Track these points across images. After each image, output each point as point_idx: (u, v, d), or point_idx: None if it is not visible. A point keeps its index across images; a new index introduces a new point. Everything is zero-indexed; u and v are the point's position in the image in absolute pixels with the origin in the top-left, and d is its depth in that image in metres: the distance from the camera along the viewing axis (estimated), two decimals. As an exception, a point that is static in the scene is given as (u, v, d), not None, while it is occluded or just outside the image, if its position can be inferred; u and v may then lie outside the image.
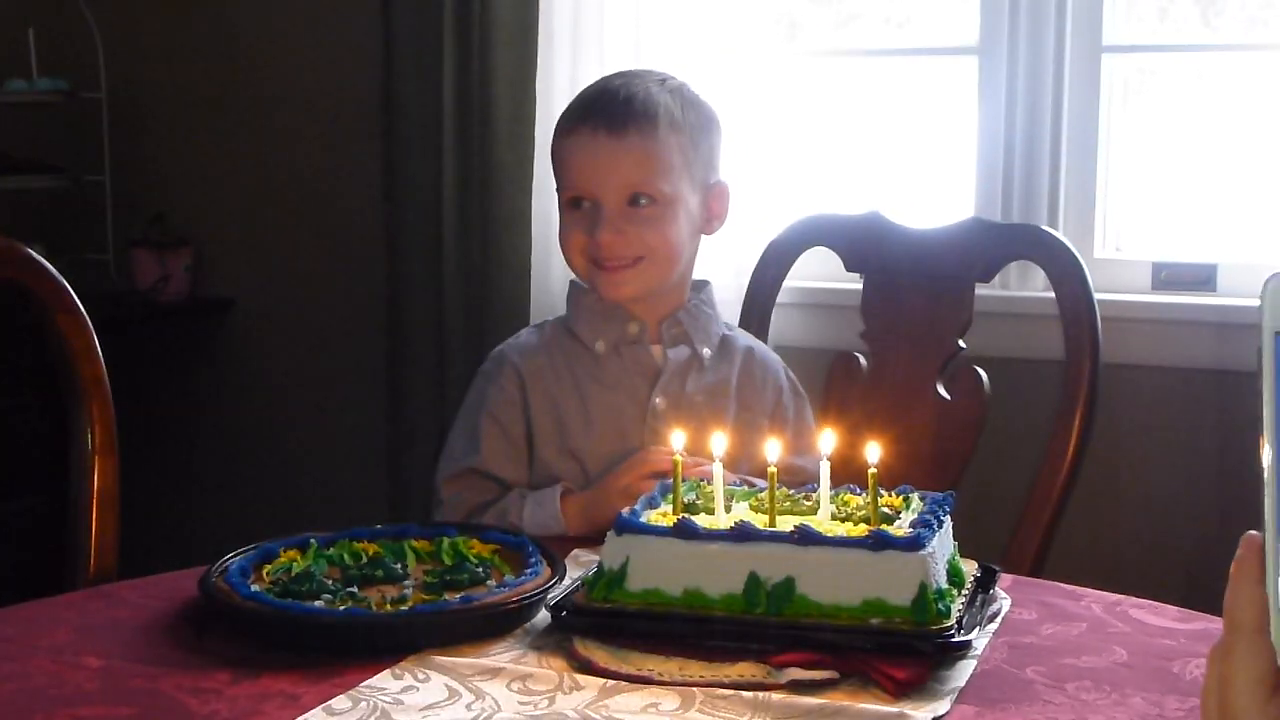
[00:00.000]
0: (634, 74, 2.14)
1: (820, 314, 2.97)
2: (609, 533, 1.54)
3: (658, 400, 2.05)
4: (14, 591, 1.69)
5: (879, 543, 1.46)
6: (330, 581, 1.60)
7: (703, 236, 2.14)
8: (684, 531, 1.51)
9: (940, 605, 1.45)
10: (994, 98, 2.97)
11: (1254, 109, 2.96)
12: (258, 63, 3.59)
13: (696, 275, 2.16)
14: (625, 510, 1.57)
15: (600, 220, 2.01)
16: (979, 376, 2.29)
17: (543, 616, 1.56)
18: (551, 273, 3.11)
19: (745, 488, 1.72)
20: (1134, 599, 1.66)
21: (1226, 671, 0.84)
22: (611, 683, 1.41)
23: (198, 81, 3.66)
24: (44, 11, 3.62)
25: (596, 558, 1.58)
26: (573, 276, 2.14)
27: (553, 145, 2.11)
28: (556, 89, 3.07)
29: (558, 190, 2.10)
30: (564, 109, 2.13)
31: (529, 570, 1.62)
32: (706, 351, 2.10)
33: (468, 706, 1.36)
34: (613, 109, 2.03)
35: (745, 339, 2.20)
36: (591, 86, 2.13)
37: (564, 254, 2.10)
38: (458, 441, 2.09)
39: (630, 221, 2.01)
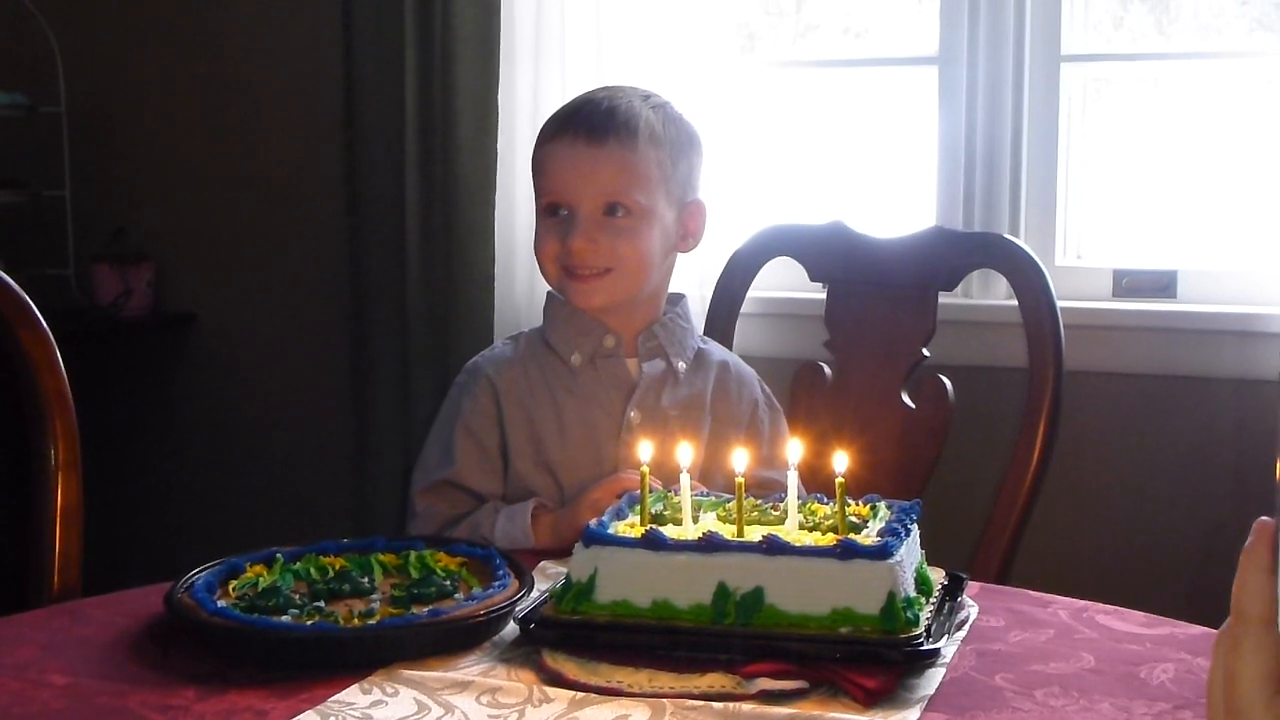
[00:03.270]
0: (618, 89, 2.14)
1: (784, 324, 2.97)
2: (577, 544, 1.54)
3: (632, 414, 2.05)
4: (-23, 609, 1.68)
5: (847, 552, 1.46)
6: (297, 596, 1.59)
7: (683, 252, 2.15)
8: (652, 543, 1.51)
9: (908, 613, 1.45)
10: (954, 107, 2.98)
11: (1209, 116, 2.98)
12: (218, 76, 3.58)
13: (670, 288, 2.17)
14: (593, 522, 1.57)
15: (574, 227, 2.02)
16: (943, 385, 2.30)
17: (511, 629, 1.56)
18: (515, 284, 3.12)
19: (713, 498, 1.72)
20: (1100, 605, 1.67)
21: (1233, 665, 0.83)
22: (581, 695, 1.41)
23: (158, 96, 3.65)
24: (2, 26, 3.60)
25: (564, 570, 1.58)
26: (549, 289, 2.14)
27: (533, 154, 2.12)
28: (519, 101, 3.07)
29: (535, 198, 2.11)
30: (547, 119, 2.14)
31: (497, 583, 1.61)
32: (681, 365, 2.10)
33: (437, 720, 1.36)
34: (594, 119, 2.05)
35: (720, 352, 2.20)
36: (575, 99, 2.14)
37: (538, 261, 2.10)
38: (432, 453, 2.09)
39: (604, 231, 2.02)
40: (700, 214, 2.13)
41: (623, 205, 2.02)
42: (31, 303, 1.98)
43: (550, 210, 2.06)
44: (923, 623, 1.46)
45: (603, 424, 2.05)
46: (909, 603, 1.46)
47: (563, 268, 2.04)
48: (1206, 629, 1.57)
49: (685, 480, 1.62)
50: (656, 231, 2.05)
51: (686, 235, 2.12)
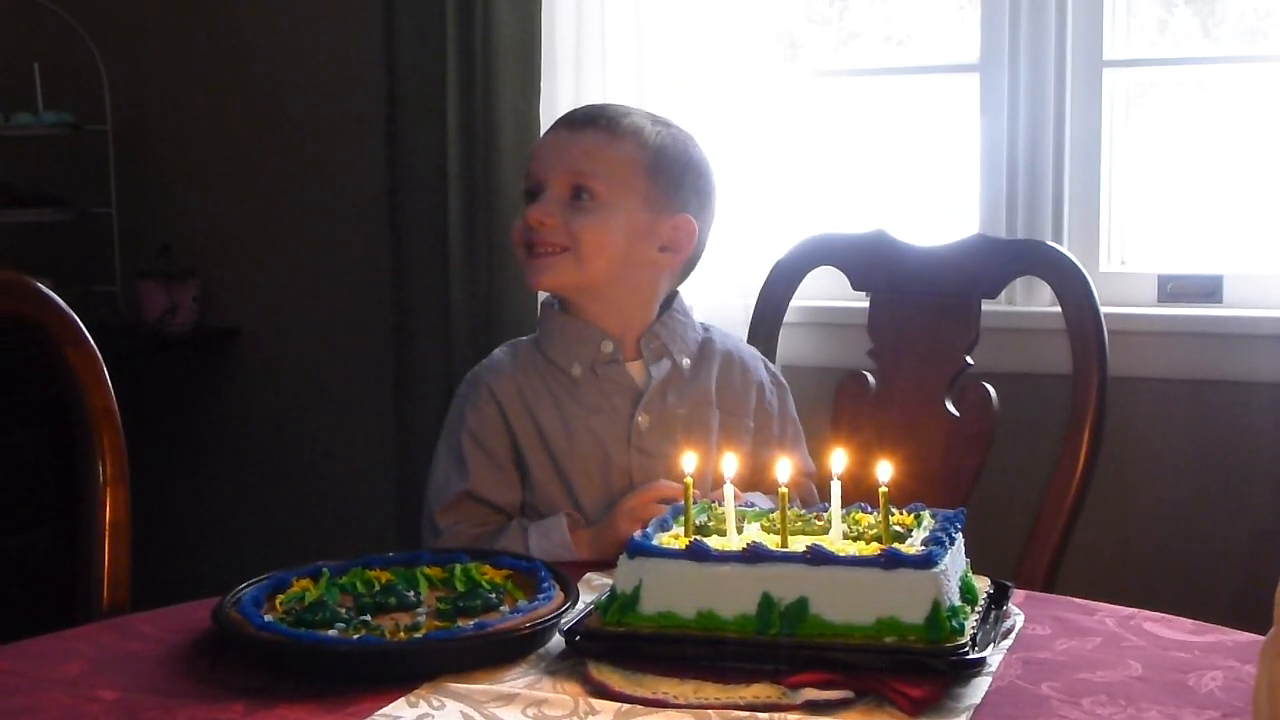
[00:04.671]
0: (635, 107, 2.17)
1: (828, 333, 2.97)
2: (621, 556, 1.54)
3: (640, 419, 2.05)
4: (27, 624, 1.69)
5: (891, 561, 1.46)
6: (343, 610, 1.60)
7: (673, 271, 2.12)
8: (696, 554, 1.51)
9: (954, 622, 1.45)
10: (996, 114, 2.97)
11: (1256, 120, 2.96)
12: (262, 93, 3.60)
13: (703, 298, 2.17)
14: (637, 533, 1.57)
15: (539, 201, 2.04)
16: (987, 392, 2.29)
17: (557, 641, 1.56)
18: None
19: (757, 509, 1.72)
20: (1147, 613, 1.66)
21: (1277, 672, 0.82)
22: (627, 706, 1.41)
23: (203, 113, 3.67)
24: (49, 45, 3.64)
25: (609, 581, 1.58)
26: (541, 300, 2.15)
27: None
28: (560, 112, 3.06)
29: None
30: None
31: (542, 595, 1.62)
32: (686, 361, 2.10)
33: (483, 732, 1.36)
34: (584, 112, 2.12)
35: (722, 339, 2.18)
36: None
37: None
38: (443, 468, 2.08)
39: (564, 208, 2.02)
40: (687, 230, 2.08)
41: (587, 189, 2.03)
42: (79, 320, 2.00)
43: (529, 194, 2.08)
44: (968, 632, 1.46)
45: (611, 431, 2.04)
46: (954, 612, 1.46)
47: (525, 245, 2.05)
48: (1255, 636, 1.56)
49: (729, 491, 1.62)
50: (619, 225, 2.03)
51: (667, 247, 2.08)
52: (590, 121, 2.07)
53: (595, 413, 2.05)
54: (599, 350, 2.07)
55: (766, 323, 2.49)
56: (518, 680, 1.48)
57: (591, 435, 2.04)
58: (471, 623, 1.55)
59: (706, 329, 2.18)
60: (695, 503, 1.63)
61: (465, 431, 2.06)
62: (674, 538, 1.58)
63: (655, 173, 2.06)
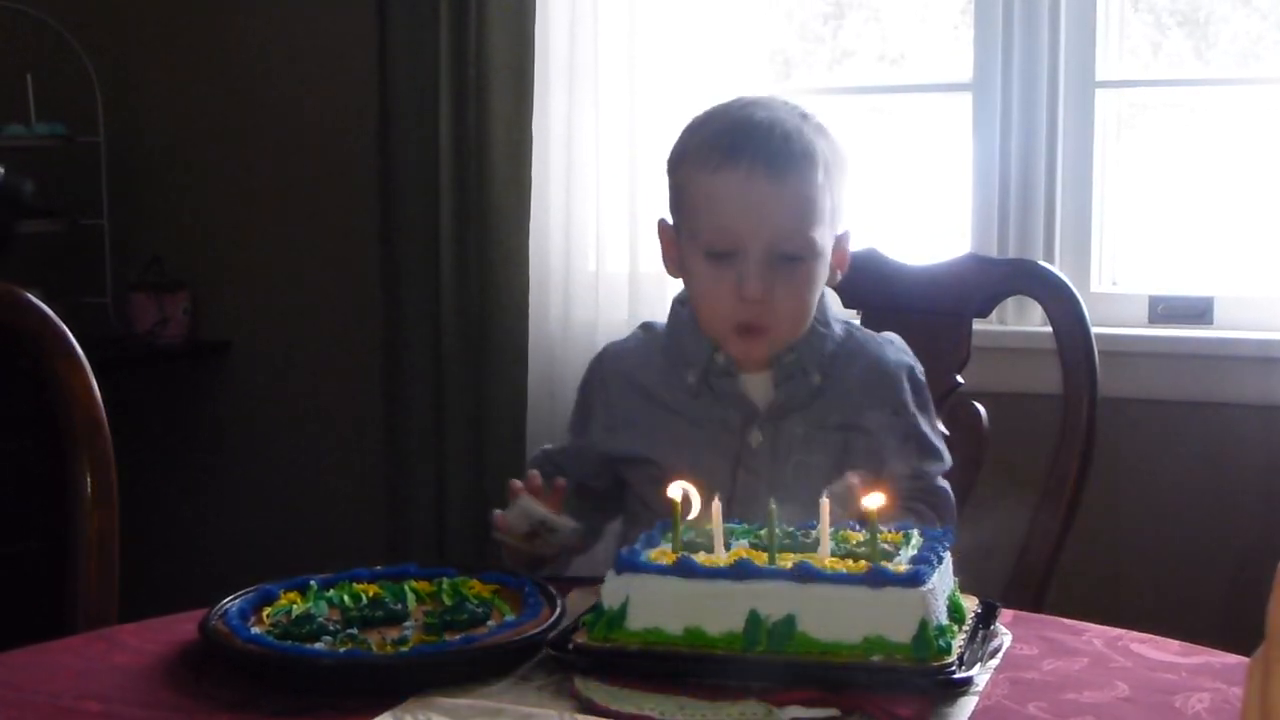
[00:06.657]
0: (774, 104, 1.92)
1: (818, 350, 2.96)
2: (609, 571, 1.54)
3: (753, 436, 1.92)
4: (12, 636, 1.68)
5: (879, 579, 1.46)
6: (330, 623, 1.60)
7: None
8: (684, 569, 1.50)
9: (941, 641, 1.44)
10: (989, 134, 2.98)
11: (1248, 142, 2.97)
12: (254, 106, 3.60)
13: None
14: (624, 549, 1.57)
15: (747, 274, 1.84)
16: (978, 412, 2.29)
17: (543, 656, 1.55)
18: (549, 312, 3.12)
19: (744, 525, 1.71)
20: (1135, 633, 1.66)
21: (1267, 690, 0.82)
22: (612, 722, 1.41)
23: (195, 126, 3.68)
24: (42, 57, 3.64)
25: (596, 597, 1.58)
26: (677, 296, 2.00)
27: (684, 182, 1.92)
28: (553, 129, 3.08)
29: (689, 233, 1.92)
30: (695, 141, 1.92)
31: (529, 610, 1.61)
32: (816, 379, 1.94)
33: (469, 748, 1.36)
34: (771, 147, 1.85)
35: (863, 342, 2.01)
36: (725, 118, 1.91)
37: (703, 311, 1.92)
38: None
39: (776, 275, 1.85)
40: (846, 244, 1.97)
41: (797, 248, 1.86)
42: (68, 332, 1.99)
43: (717, 254, 1.87)
44: (955, 651, 1.45)
45: (717, 446, 1.91)
46: (941, 630, 1.46)
47: (736, 322, 1.87)
48: (1242, 658, 1.56)
49: (717, 507, 1.62)
50: (821, 272, 1.91)
51: (834, 268, 1.96)
52: (790, 165, 1.84)
53: (703, 424, 1.92)
54: (712, 360, 1.92)
55: (757, 340, 2.48)
56: (504, 695, 1.48)
57: (694, 448, 1.90)
58: (458, 637, 1.55)
59: (849, 330, 2.02)
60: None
61: (579, 414, 2.03)
62: (661, 554, 1.58)
63: (831, 190, 1.89)
